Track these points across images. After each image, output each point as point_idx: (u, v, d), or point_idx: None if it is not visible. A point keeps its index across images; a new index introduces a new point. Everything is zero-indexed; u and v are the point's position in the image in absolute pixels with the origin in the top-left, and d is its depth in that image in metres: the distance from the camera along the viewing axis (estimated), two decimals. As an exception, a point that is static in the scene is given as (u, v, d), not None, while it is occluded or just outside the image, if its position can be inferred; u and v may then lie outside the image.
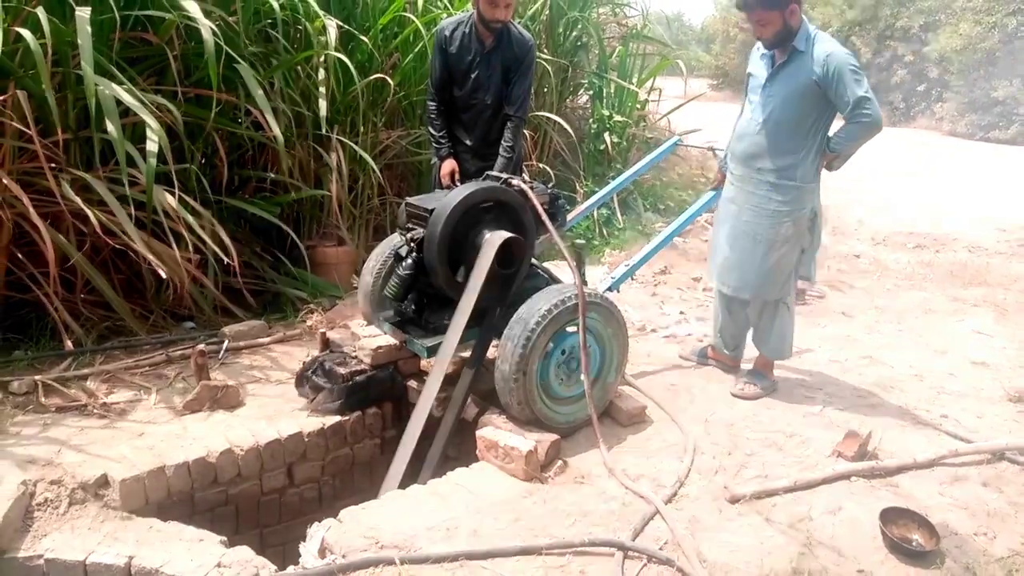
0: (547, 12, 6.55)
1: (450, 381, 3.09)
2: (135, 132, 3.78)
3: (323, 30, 4.47)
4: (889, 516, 2.57)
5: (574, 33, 7.10)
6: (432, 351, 3.08)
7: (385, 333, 3.37)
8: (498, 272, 3.00)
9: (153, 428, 3.08)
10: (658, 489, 2.70)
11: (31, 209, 3.26)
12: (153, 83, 4.03)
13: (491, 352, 3.14)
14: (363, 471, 3.36)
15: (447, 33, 3.92)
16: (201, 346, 3.39)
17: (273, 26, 4.45)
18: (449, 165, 4.02)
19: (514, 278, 3.08)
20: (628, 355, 3.25)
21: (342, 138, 4.74)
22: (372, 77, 4.84)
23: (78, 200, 3.38)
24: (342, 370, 3.30)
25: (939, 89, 20.91)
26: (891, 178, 10.48)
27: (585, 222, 6.28)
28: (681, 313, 4.79)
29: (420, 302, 3.23)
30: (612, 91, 7.47)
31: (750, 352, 3.78)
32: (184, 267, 3.73)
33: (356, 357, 3.41)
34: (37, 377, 3.32)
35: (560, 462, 2.85)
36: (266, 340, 3.96)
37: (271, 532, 3.11)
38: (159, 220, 3.59)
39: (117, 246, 3.60)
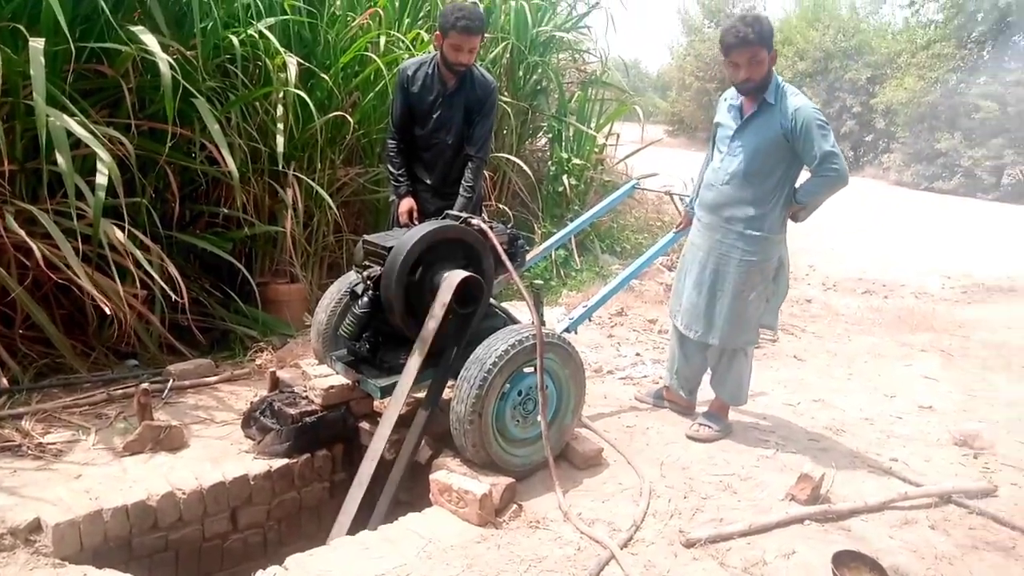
0: (508, 56, 6.64)
1: (404, 423, 3.03)
2: (85, 164, 3.69)
3: (283, 67, 4.46)
4: (841, 559, 2.57)
5: (534, 77, 7.20)
6: (386, 391, 3.02)
7: (337, 373, 3.30)
8: (456, 311, 2.97)
9: (91, 470, 2.95)
10: (614, 533, 2.67)
11: (-30, 241, 3.16)
12: (106, 115, 3.96)
13: (447, 393, 3.10)
14: (311, 516, 3.26)
15: (410, 73, 3.93)
16: (144, 385, 3.28)
17: (232, 61, 4.42)
18: (408, 203, 4.00)
19: (472, 318, 3.06)
20: (585, 396, 3.24)
21: (299, 174, 4.69)
22: (331, 115, 4.83)
23: (21, 233, 3.28)
24: (291, 410, 3.22)
25: (886, 140, 21.75)
26: (841, 225, 10.76)
27: (543, 263, 6.31)
28: (637, 355, 4.81)
29: (375, 341, 3.18)
30: (571, 135, 7.57)
31: (705, 394, 3.79)
32: (129, 303, 3.63)
33: (306, 397, 3.33)
34: (-32, 416, 3.17)
35: (515, 506, 2.80)
36: (213, 379, 3.85)
37: (213, 580, 2.99)
38: (105, 254, 3.49)
39: (60, 280, 3.48)
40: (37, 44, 3.22)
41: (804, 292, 6.97)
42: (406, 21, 5.76)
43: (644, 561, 2.55)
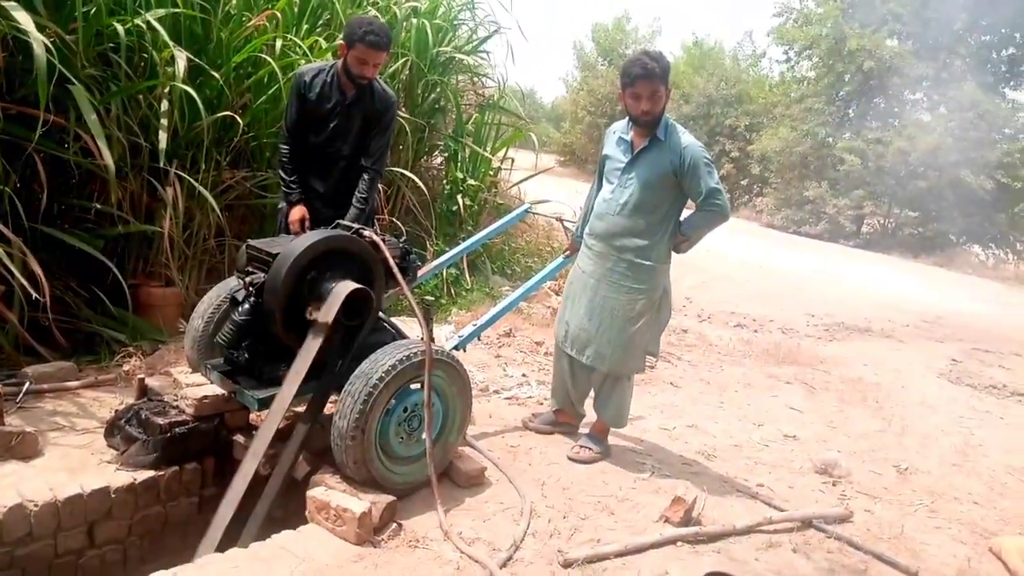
0: (407, 72, 6.62)
1: (281, 437, 2.91)
2: (-60, 146, 3.40)
3: (171, 61, 4.26)
4: (711, 581, 2.67)
5: (432, 96, 7.20)
6: (264, 403, 2.91)
7: (212, 382, 3.15)
8: (342, 324, 2.90)
9: (-72, 479, 2.69)
10: (494, 553, 2.66)
11: None
12: (-32, 95, 3.66)
13: (328, 408, 3.01)
14: (176, 532, 3.08)
15: (307, 79, 3.84)
16: (-4, 387, 3.03)
17: (116, 50, 4.18)
18: (299, 211, 3.89)
19: (359, 331, 2.99)
20: (471, 415, 3.22)
21: (181, 173, 4.48)
22: (220, 114, 4.65)
23: None
24: (160, 420, 3.04)
25: (760, 185, 23.06)
26: (717, 261, 11.29)
27: (434, 280, 6.28)
28: (524, 376, 4.85)
29: (254, 351, 3.04)
30: (467, 156, 7.60)
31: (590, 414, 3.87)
32: (-16, 298, 3.34)
33: (177, 407, 3.16)
34: None
35: (394, 525, 2.75)
36: (74, 384, 3.60)
37: (62, 600, 2.76)
38: (-41, 244, 3.21)
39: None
40: None
41: (681, 323, 7.24)
42: (304, 27, 5.64)
43: (523, 581, 2.55)
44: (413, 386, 2.90)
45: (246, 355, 3.04)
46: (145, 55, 4.38)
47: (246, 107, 5.03)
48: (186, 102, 4.37)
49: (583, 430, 3.85)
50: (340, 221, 3.35)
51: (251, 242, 3.10)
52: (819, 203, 19.88)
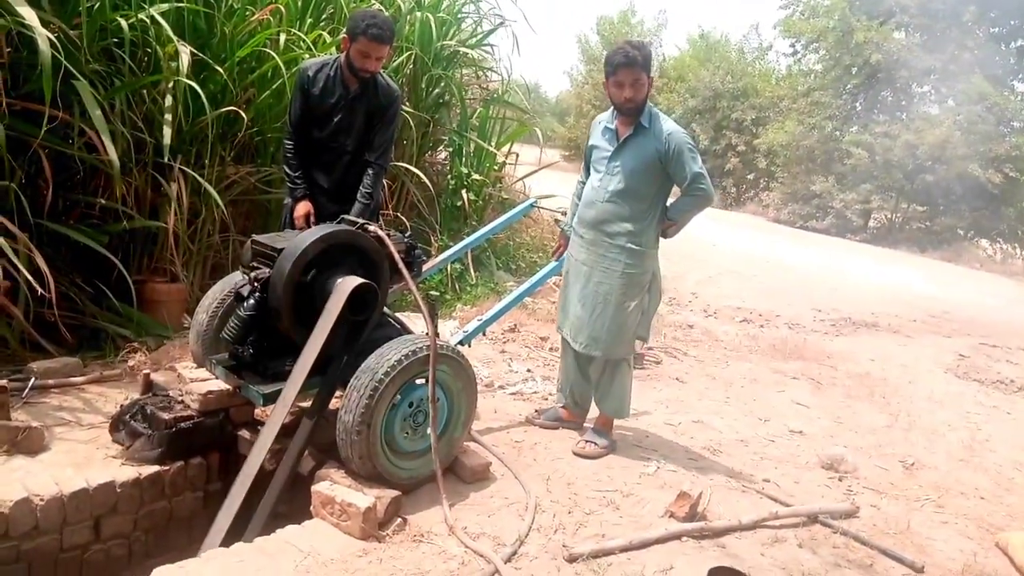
0: (411, 66, 6.60)
1: (286, 432, 2.91)
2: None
3: (175, 55, 4.25)
4: (716, 575, 2.65)
5: (436, 90, 7.18)
6: (269, 399, 2.91)
7: (217, 377, 3.15)
8: (348, 319, 2.90)
9: (-65, 473, 2.70)
10: (498, 548, 2.66)
11: None
12: (-27, 90, 3.65)
13: (333, 403, 3.01)
14: (181, 527, 3.08)
15: (310, 74, 3.83)
16: (2, 382, 3.03)
17: (120, 45, 4.17)
18: (305, 207, 3.88)
19: (364, 326, 2.99)
20: (476, 410, 3.22)
21: (185, 168, 4.47)
22: (224, 109, 4.64)
23: None
24: (165, 415, 3.04)
25: (766, 179, 22.94)
26: (723, 256, 11.26)
27: (438, 276, 6.27)
28: (528, 371, 4.84)
29: (259, 346, 3.04)
30: (471, 150, 7.59)
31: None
32: (-11, 293, 3.35)
33: (182, 402, 3.15)
34: None
35: (399, 519, 2.75)
36: (80, 380, 3.60)
37: (68, 594, 2.77)
38: (-36, 240, 3.22)
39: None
40: None
41: (686, 318, 7.22)
42: (308, 21, 5.62)
43: (527, 575, 2.54)
44: (418, 381, 2.90)
45: (251, 350, 3.04)
46: (149, 50, 4.38)
47: (250, 102, 5.02)
48: (190, 97, 4.37)
49: (587, 425, 3.84)
50: (345, 216, 3.35)
51: (256, 237, 3.10)
52: (826, 197, 19.75)
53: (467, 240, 4.43)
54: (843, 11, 19.84)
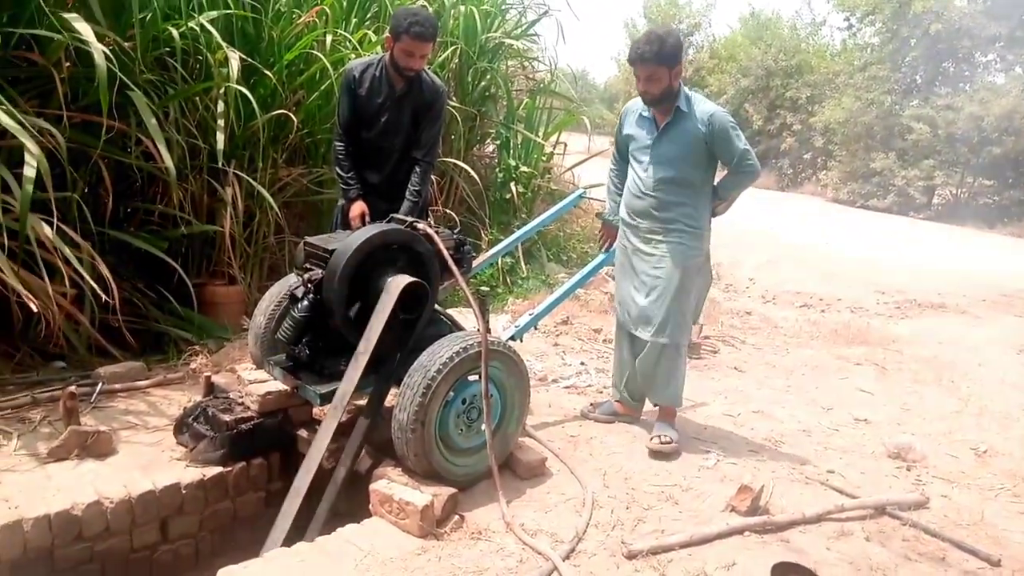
0: (456, 61, 6.60)
1: (343, 431, 2.94)
2: (12, 156, 3.51)
3: (225, 62, 4.33)
4: (780, 571, 2.59)
5: (482, 83, 7.17)
6: (326, 398, 2.94)
7: (275, 378, 3.21)
8: (399, 317, 2.91)
9: (12, 477, 2.81)
10: (556, 545, 2.64)
11: None
12: (36, 105, 3.78)
13: (389, 400, 3.03)
14: (245, 526, 3.14)
15: (356, 75, 3.85)
16: (71, 388, 3.13)
17: (171, 54, 4.27)
18: (359, 208, 3.89)
19: (416, 324, 3.00)
20: (529, 405, 3.21)
21: (239, 173, 4.56)
22: (274, 112, 4.71)
23: (-60, 226, 3.10)
24: (226, 417, 3.10)
25: (824, 158, 22.32)
26: (780, 239, 11.02)
27: (489, 270, 6.27)
28: (582, 364, 4.80)
29: (315, 346, 3.09)
30: (519, 142, 7.56)
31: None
32: (58, 301, 3.46)
33: (242, 403, 3.22)
34: None
35: (457, 517, 2.75)
36: (144, 383, 3.71)
37: (140, 593, 2.86)
38: (32, 251, 3.33)
39: (-18, 278, 3.31)
40: (-41, 29, 3.06)
41: (744, 304, 7.08)
42: (353, 21, 5.67)
43: (586, 573, 2.53)
44: (471, 378, 2.90)
45: (307, 351, 3.08)
46: (200, 57, 4.47)
47: (299, 104, 5.10)
48: (241, 102, 4.44)
49: (646, 418, 3.79)
50: (394, 215, 3.36)
51: (308, 239, 3.14)
52: (887, 175, 19.12)
53: (517, 234, 4.41)
54: (900, -19, 19.15)
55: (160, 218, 4.49)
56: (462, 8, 6.58)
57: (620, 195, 3.77)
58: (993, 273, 10.40)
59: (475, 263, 3.86)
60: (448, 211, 6.32)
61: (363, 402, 3.06)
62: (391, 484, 2.78)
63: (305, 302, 3.01)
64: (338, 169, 3.99)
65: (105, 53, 3.50)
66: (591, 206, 8.24)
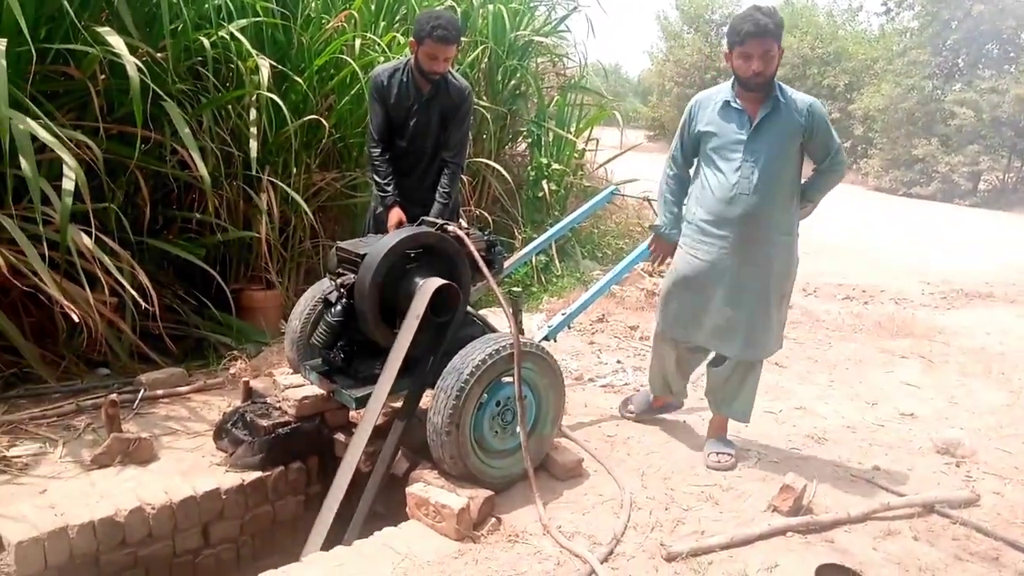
0: (486, 60, 6.59)
1: (379, 434, 2.95)
2: (51, 169, 3.59)
3: (256, 69, 4.37)
4: (825, 573, 2.53)
5: (512, 82, 7.15)
6: (361, 402, 2.95)
7: (311, 383, 3.22)
8: (431, 320, 2.91)
9: (57, 484, 2.87)
10: (594, 547, 2.62)
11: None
12: (73, 118, 3.86)
13: (423, 403, 3.03)
14: (285, 530, 3.17)
15: (384, 81, 3.85)
16: (113, 395, 3.19)
17: (203, 64, 4.33)
18: (396, 214, 3.88)
19: (448, 326, 2.99)
20: (564, 406, 3.18)
21: (273, 179, 4.61)
22: (306, 118, 4.75)
23: (-16, 239, 3.18)
24: (264, 422, 3.13)
25: (864, 146, 21.87)
26: (821, 231, 10.79)
27: (523, 269, 6.26)
28: (618, 362, 4.76)
29: (349, 350, 3.10)
30: (550, 139, 7.53)
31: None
32: (99, 310, 3.53)
33: (280, 408, 3.25)
34: (-72, 429, 3.07)
35: (493, 519, 2.74)
36: (185, 389, 3.76)
37: (183, 597, 2.90)
38: (73, 261, 3.40)
39: (27, 288, 3.38)
40: (-2, 45, 3.13)
41: (784, 297, 6.95)
42: (382, 24, 5.69)
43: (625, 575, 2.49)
44: (505, 379, 2.88)
45: (341, 355, 3.09)
46: (231, 66, 4.52)
47: (331, 109, 5.13)
48: (273, 109, 4.49)
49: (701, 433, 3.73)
50: (424, 218, 3.36)
51: (340, 244, 3.15)
52: (930, 162, 18.65)
53: (549, 232, 4.37)
54: (940, -38, 18.69)
55: (197, 225, 4.56)
56: (490, 7, 6.57)
57: (678, 205, 3.41)
58: (1044, 260, 10.09)
59: (507, 263, 3.85)
60: (481, 211, 6.32)
61: (398, 405, 3.06)
62: (427, 487, 2.78)
63: (338, 307, 3.02)
64: (374, 176, 3.97)
65: (138, 65, 3.55)
66: (625, 202, 8.18)
